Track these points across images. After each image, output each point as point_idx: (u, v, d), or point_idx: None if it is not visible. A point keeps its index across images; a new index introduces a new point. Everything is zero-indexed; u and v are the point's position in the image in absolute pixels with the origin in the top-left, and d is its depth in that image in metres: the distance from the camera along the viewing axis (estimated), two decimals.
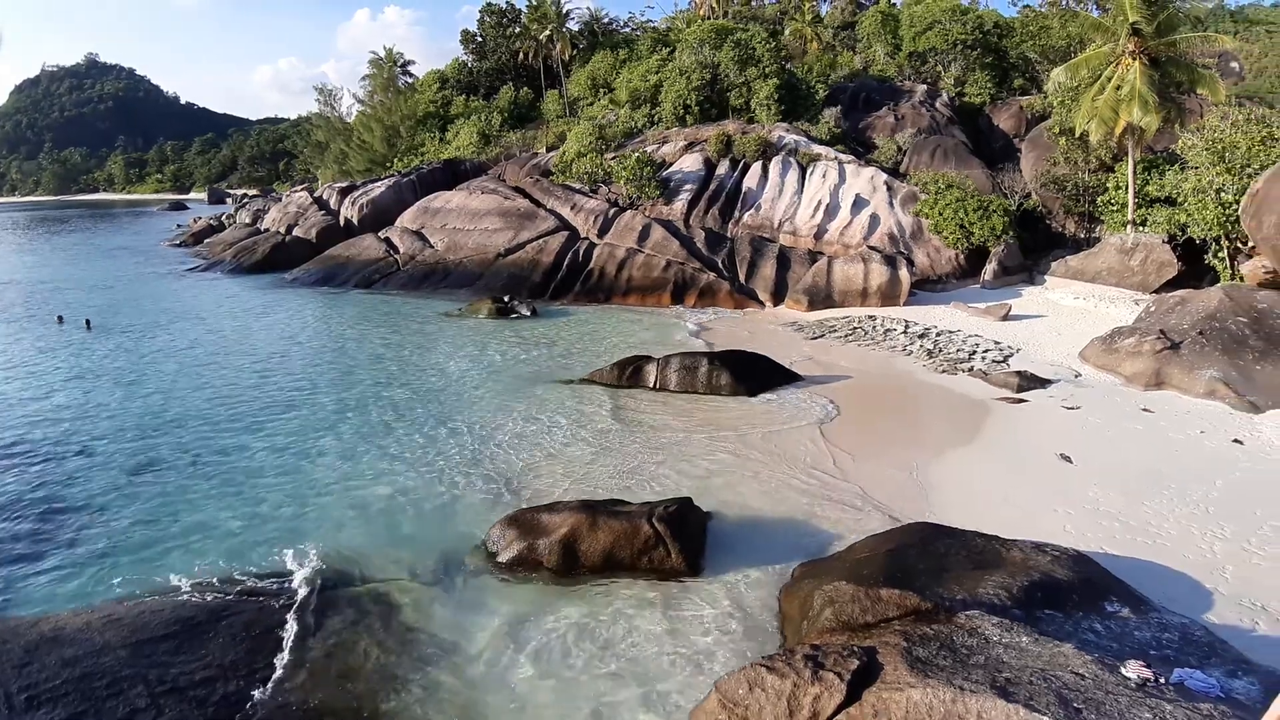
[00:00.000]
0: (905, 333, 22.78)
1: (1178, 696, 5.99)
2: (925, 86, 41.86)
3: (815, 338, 23.34)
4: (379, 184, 42.71)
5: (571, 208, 34.61)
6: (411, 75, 62.82)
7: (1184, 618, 8.27)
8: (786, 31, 51.77)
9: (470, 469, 13.53)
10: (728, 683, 6.71)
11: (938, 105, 40.00)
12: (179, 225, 67.20)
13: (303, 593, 9.49)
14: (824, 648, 6.85)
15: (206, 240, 51.48)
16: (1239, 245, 24.72)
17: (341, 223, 40.89)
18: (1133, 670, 6.26)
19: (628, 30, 60.07)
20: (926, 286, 28.65)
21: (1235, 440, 14.36)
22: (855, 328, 23.77)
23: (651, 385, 18.02)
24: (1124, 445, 14.20)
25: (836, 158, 34.31)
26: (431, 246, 35.44)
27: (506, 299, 28.35)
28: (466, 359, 21.32)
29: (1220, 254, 25.27)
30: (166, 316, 28.36)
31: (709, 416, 16.15)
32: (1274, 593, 9.26)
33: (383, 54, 60.23)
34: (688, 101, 39.37)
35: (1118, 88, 27.87)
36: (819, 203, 32.17)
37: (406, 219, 38.14)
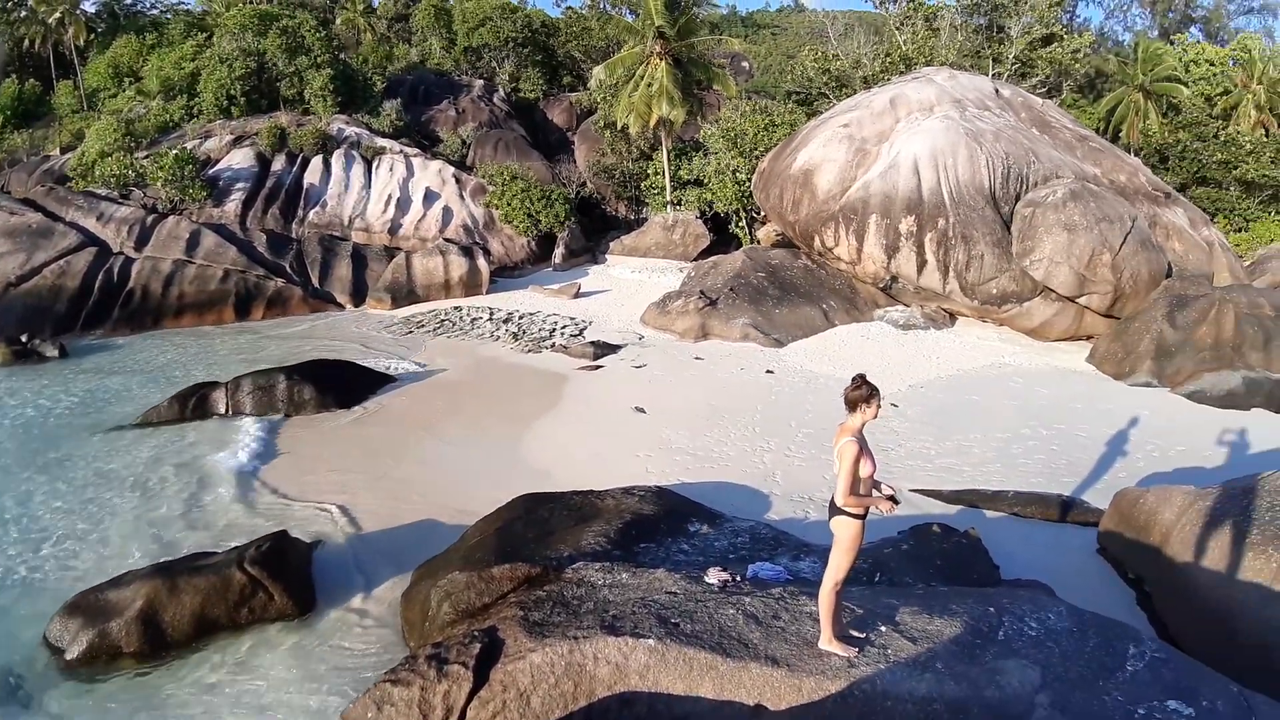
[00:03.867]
0: (491, 319, 23.32)
1: (754, 588, 6.88)
2: (483, 82, 42.98)
3: (405, 335, 22.75)
4: None
5: (98, 218, 28.88)
6: None
7: (751, 521, 9.66)
8: (338, 21, 49.35)
9: (7, 558, 10.44)
10: (353, 712, 6.16)
11: (495, 100, 41.40)
12: None
13: None
14: (445, 642, 6.61)
15: None
16: (754, 215, 29.81)
17: None
18: (713, 576, 7.06)
19: (156, 13, 51.80)
20: (505, 273, 29.68)
21: (768, 371, 17.39)
22: (443, 320, 23.68)
23: (223, 413, 15.75)
24: (684, 390, 16.26)
25: (403, 151, 33.71)
26: None
27: (25, 339, 22.68)
28: None
29: (740, 223, 30.24)
30: None
31: (295, 436, 14.54)
32: (814, 486, 11.30)
33: None
34: (232, 91, 35.24)
35: (649, 85, 31.52)
36: (390, 197, 31.35)
37: None
